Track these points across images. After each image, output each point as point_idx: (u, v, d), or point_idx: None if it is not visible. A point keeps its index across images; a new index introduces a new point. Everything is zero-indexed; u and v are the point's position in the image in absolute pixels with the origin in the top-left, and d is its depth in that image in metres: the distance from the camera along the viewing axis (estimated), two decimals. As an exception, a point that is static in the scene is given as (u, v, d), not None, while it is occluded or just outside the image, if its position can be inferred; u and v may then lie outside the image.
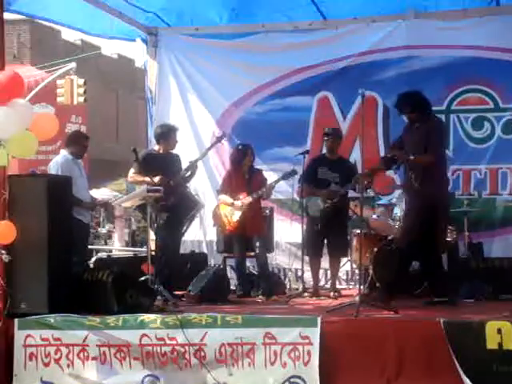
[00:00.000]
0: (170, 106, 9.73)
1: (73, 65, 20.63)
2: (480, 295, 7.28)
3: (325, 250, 8.07)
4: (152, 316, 6.11)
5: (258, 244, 8.04)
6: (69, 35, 28.15)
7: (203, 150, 8.41)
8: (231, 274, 8.42)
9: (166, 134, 7.91)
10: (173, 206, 7.62)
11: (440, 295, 6.93)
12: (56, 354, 6.04)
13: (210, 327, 5.90)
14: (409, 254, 7.02)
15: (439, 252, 7.14)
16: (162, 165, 7.73)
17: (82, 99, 20.21)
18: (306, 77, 9.32)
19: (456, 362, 5.53)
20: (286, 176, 8.14)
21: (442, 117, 8.99)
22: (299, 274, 8.54)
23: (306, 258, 8.14)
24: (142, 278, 7.02)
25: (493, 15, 8.72)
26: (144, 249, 7.45)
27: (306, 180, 8.02)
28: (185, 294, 7.71)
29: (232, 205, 8.00)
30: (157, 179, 7.55)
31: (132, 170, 7.76)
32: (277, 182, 8.14)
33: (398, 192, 8.30)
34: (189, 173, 7.84)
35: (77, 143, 7.89)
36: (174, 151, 8.01)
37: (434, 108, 8.94)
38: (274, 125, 9.32)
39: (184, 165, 7.89)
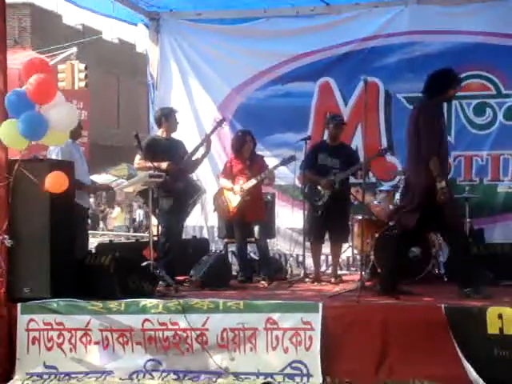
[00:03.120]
0: (171, 91, 9.72)
1: (74, 50, 20.63)
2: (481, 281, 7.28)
3: (326, 236, 8.08)
4: (154, 301, 6.12)
5: (257, 229, 8.05)
6: (70, 20, 28.07)
7: (204, 135, 8.37)
8: (233, 260, 8.43)
9: (167, 115, 7.91)
10: (178, 192, 7.63)
11: (464, 285, 6.48)
12: (59, 338, 6.07)
13: (211, 312, 5.92)
14: (410, 238, 6.88)
15: (459, 240, 6.69)
16: (166, 150, 7.74)
17: (83, 84, 20.21)
18: (308, 62, 9.29)
19: (457, 347, 5.55)
20: (285, 161, 8.11)
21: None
22: (300, 259, 8.54)
23: (307, 244, 8.15)
24: (144, 263, 7.02)
25: (495, 0, 8.69)
26: (146, 234, 7.44)
27: (306, 166, 8.03)
28: (186, 279, 7.72)
29: (232, 189, 8.01)
30: (164, 165, 7.55)
31: (138, 157, 7.74)
32: (276, 167, 8.11)
33: (399, 178, 8.29)
34: (198, 156, 7.84)
35: None
36: (177, 137, 8.01)
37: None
38: (275, 110, 9.30)
39: (188, 150, 7.90)
